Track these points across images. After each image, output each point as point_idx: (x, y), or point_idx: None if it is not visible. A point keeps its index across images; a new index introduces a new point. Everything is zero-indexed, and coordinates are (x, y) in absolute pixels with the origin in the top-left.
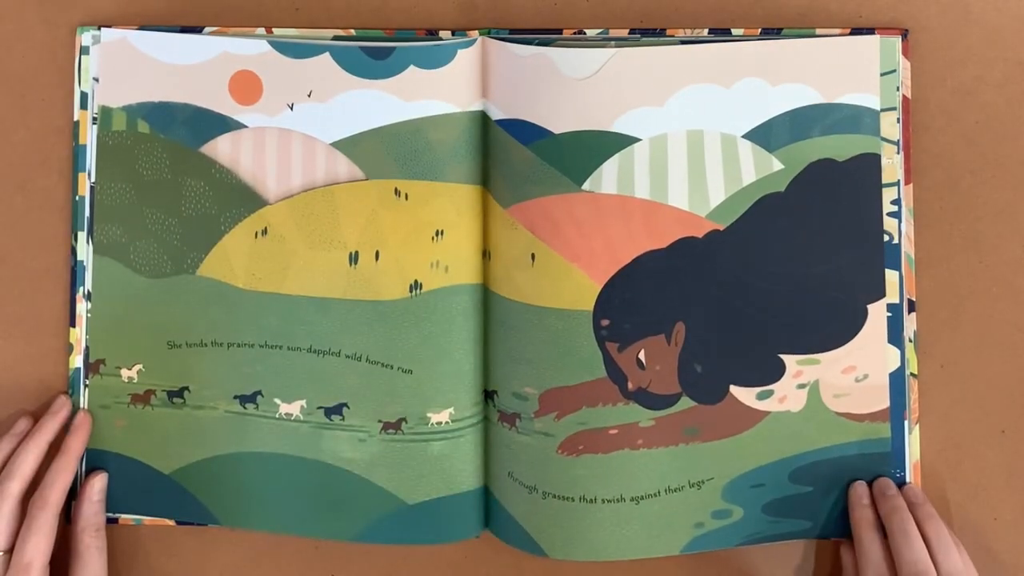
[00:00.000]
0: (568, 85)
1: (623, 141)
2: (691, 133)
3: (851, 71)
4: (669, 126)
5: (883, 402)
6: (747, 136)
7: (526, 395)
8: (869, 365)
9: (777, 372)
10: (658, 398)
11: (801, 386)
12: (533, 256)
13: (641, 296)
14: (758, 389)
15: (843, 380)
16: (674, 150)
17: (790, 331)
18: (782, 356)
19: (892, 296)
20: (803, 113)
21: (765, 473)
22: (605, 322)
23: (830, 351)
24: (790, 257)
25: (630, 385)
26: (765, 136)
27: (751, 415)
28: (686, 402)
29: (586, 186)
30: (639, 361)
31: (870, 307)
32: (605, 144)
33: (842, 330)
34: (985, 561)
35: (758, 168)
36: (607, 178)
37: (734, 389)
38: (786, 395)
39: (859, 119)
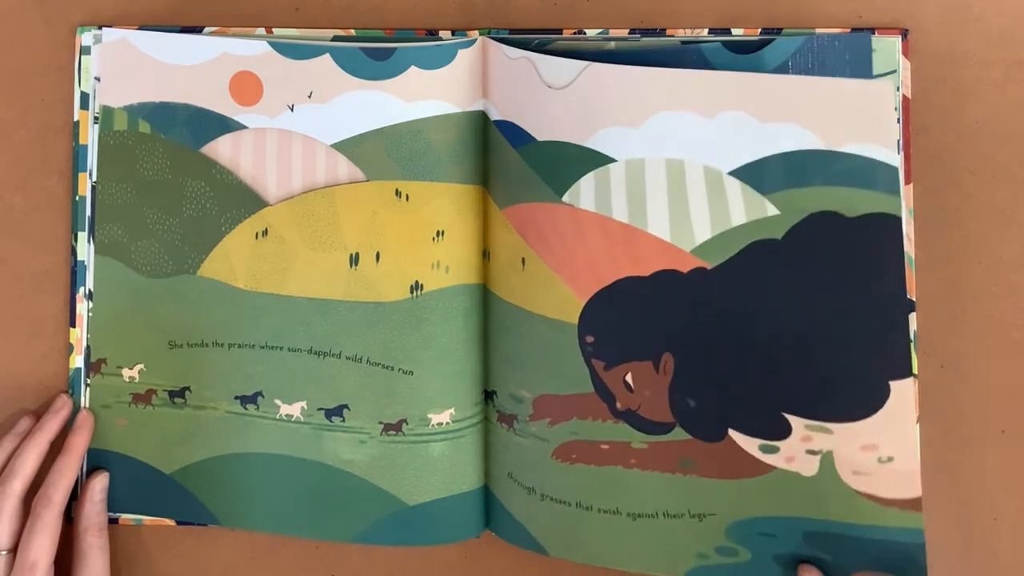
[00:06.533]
0: (546, 93)
1: (599, 159)
2: (671, 162)
3: (857, 117)
4: (646, 151)
5: (915, 490)
6: (734, 173)
7: (522, 397)
8: (894, 447)
9: (782, 431)
10: (650, 423)
11: (812, 452)
12: (523, 260)
13: (624, 320)
14: (761, 441)
15: (863, 458)
16: (652, 177)
17: (793, 392)
18: (787, 416)
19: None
20: (800, 157)
21: (776, 525)
22: (590, 339)
23: (843, 423)
24: (790, 313)
25: (619, 405)
26: (755, 176)
27: (754, 464)
28: (681, 433)
29: (566, 198)
30: (627, 383)
31: (893, 384)
32: (581, 159)
33: (856, 405)
34: (985, 561)
35: (749, 210)
36: (585, 194)
37: (734, 433)
38: (794, 456)
39: (872, 174)
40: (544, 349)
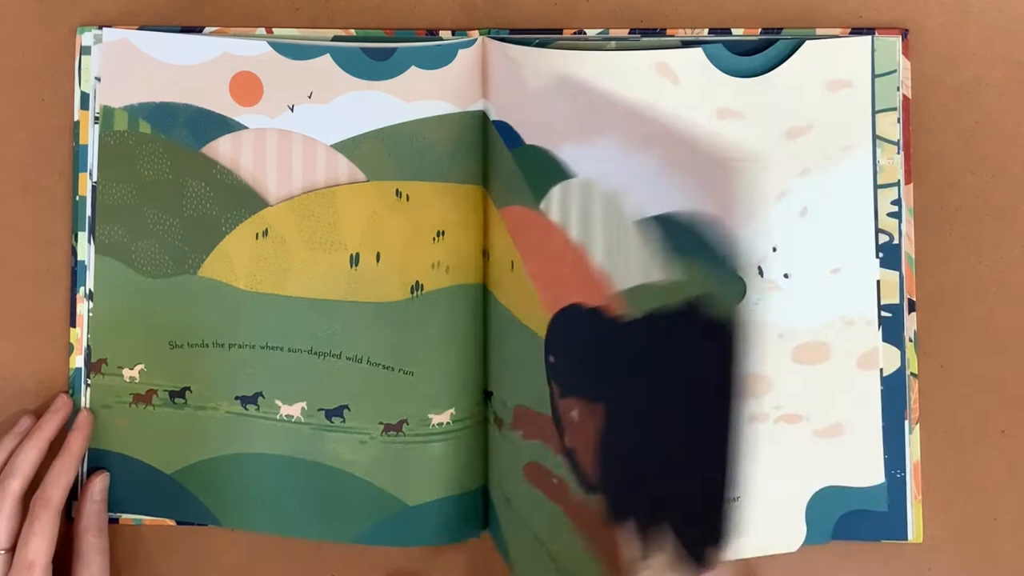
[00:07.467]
0: (528, 94)
1: (562, 172)
2: (609, 194)
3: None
4: (596, 173)
5: None
6: (658, 219)
7: (505, 402)
8: None
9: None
10: (581, 473)
11: None
12: (512, 264)
13: (571, 349)
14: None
15: None
16: (598, 203)
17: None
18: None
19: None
20: (688, 221)
21: None
22: (551, 359)
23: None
24: (684, 399)
25: (566, 440)
26: (670, 229)
27: None
28: (602, 503)
29: (542, 206)
30: (571, 418)
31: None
32: (552, 168)
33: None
34: (985, 561)
35: (664, 267)
36: (555, 204)
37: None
38: None
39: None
40: (521, 359)
